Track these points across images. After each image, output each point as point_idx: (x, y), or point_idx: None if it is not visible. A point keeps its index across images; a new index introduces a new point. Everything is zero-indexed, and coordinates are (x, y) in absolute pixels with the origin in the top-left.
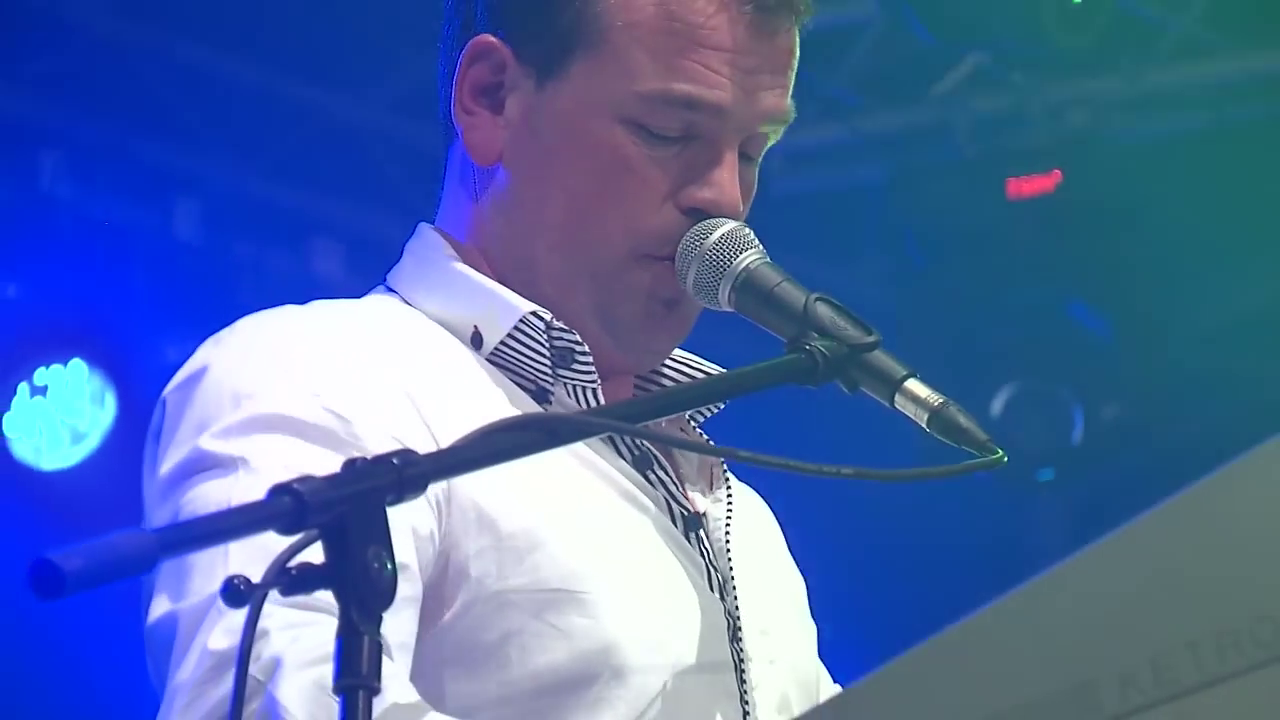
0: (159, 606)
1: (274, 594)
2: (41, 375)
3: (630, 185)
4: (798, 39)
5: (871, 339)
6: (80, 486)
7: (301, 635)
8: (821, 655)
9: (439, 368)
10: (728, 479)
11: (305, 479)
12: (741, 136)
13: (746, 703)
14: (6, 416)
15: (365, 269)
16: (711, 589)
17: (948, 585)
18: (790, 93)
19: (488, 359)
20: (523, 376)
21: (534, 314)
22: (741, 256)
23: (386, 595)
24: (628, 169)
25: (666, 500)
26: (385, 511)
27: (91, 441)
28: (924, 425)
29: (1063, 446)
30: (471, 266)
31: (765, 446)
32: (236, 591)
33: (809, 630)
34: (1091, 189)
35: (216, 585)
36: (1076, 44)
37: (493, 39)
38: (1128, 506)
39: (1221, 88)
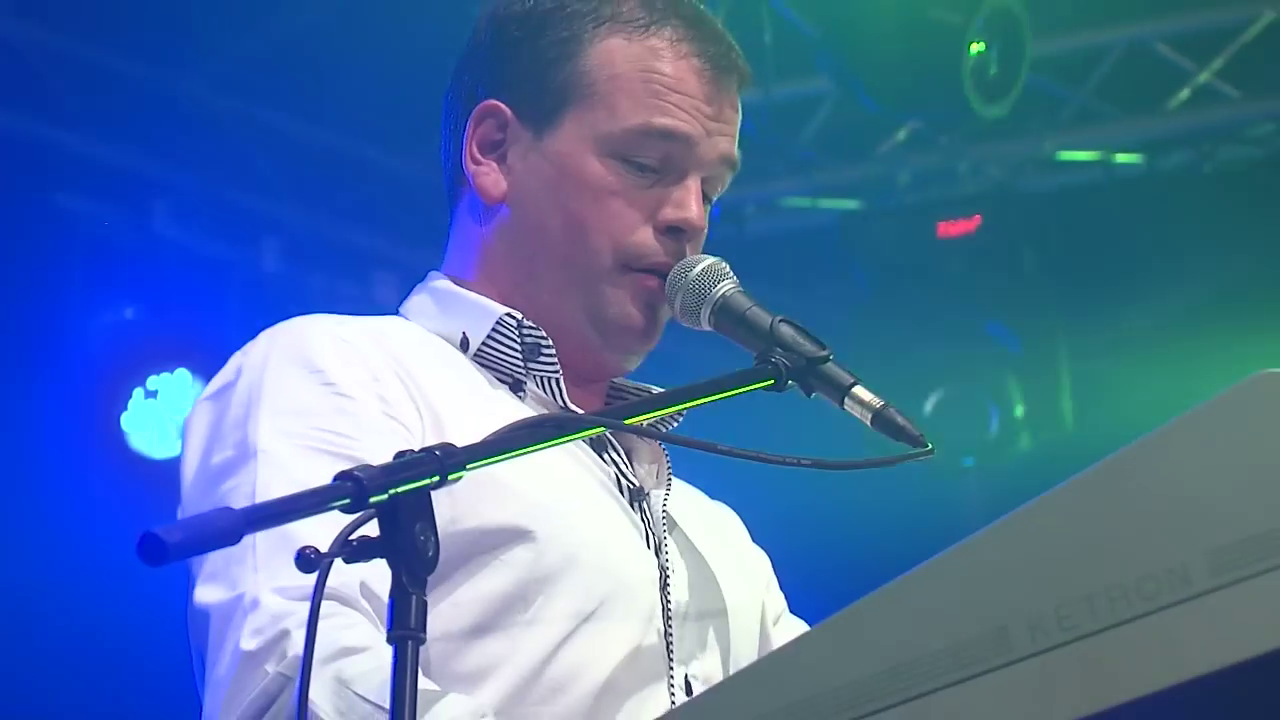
0: (201, 591)
1: (294, 592)
2: (153, 381)
3: (616, 208)
4: (740, 104)
5: (825, 353)
6: None
7: (319, 633)
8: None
9: (432, 365)
10: (669, 479)
11: (364, 467)
12: (704, 172)
13: (670, 637)
14: (125, 415)
15: None
16: (648, 547)
17: (886, 553)
18: (737, 143)
19: (473, 359)
20: (501, 372)
21: (508, 315)
22: (719, 286)
23: (430, 563)
24: (614, 194)
25: (616, 475)
26: (430, 494)
27: None
28: (868, 423)
29: (981, 439)
30: (479, 293)
31: (737, 443)
32: (308, 560)
33: (754, 592)
34: (1006, 231)
35: (246, 583)
36: (993, 113)
37: (495, 102)
38: (1033, 487)
39: (1110, 148)
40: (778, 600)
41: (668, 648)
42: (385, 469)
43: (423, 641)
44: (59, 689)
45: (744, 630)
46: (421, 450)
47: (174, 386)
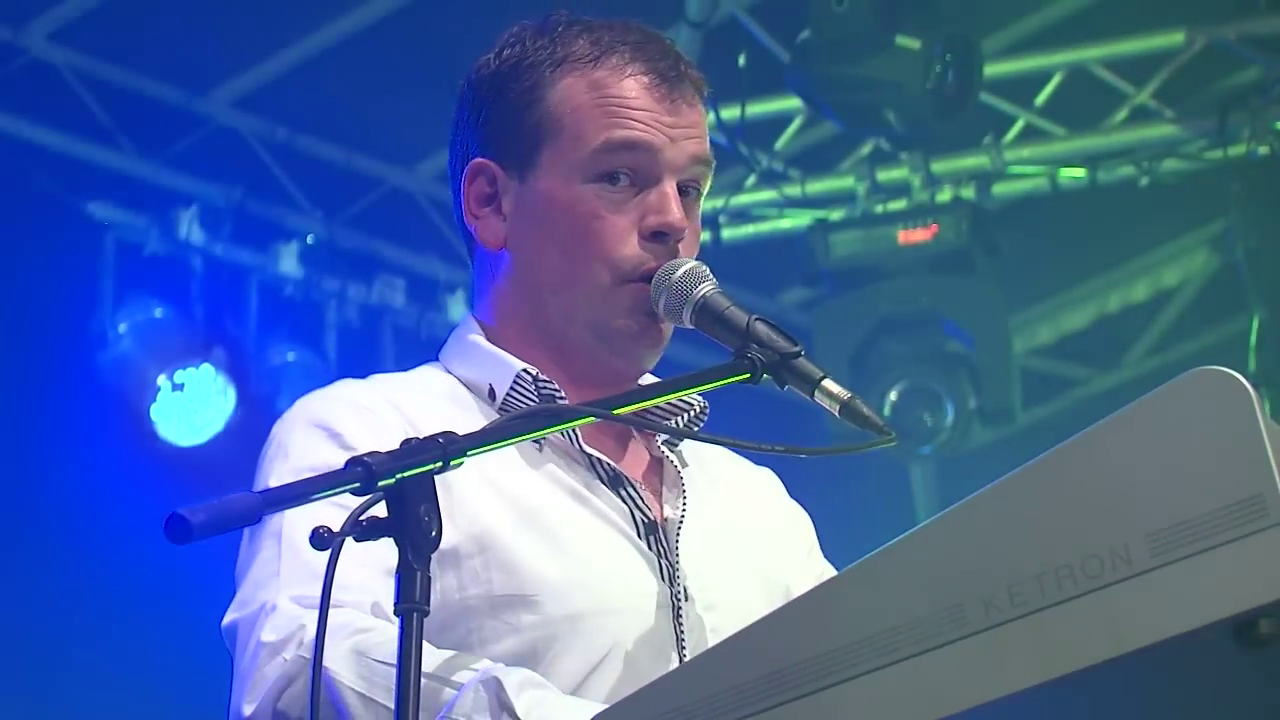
0: (232, 614)
1: (310, 601)
2: (180, 375)
3: (602, 227)
4: (704, 107)
5: (797, 349)
6: (208, 458)
7: (332, 619)
8: None
9: (459, 417)
10: (684, 490)
11: (372, 453)
12: (676, 175)
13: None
14: (153, 406)
15: (419, 298)
16: (662, 578)
17: (851, 534)
18: (707, 142)
19: (499, 410)
20: None
21: (525, 371)
22: (700, 287)
23: (433, 541)
24: (597, 215)
25: (631, 512)
26: (433, 479)
27: (217, 425)
28: (836, 414)
29: (938, 429)
30: (500, 338)
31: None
32: (322, 539)
33: (773, 594)
34: (959, 238)
35: (268, 595)
36: (948, 131)
37: (483, 160)
38: (985, 474)
39: (1054, 163)
40: (814, 567)
41: None
42: (392, 455)
43: (426, 614)
44: (95, 666)
45: None
46: (425, 437)
47: (198, 380)
